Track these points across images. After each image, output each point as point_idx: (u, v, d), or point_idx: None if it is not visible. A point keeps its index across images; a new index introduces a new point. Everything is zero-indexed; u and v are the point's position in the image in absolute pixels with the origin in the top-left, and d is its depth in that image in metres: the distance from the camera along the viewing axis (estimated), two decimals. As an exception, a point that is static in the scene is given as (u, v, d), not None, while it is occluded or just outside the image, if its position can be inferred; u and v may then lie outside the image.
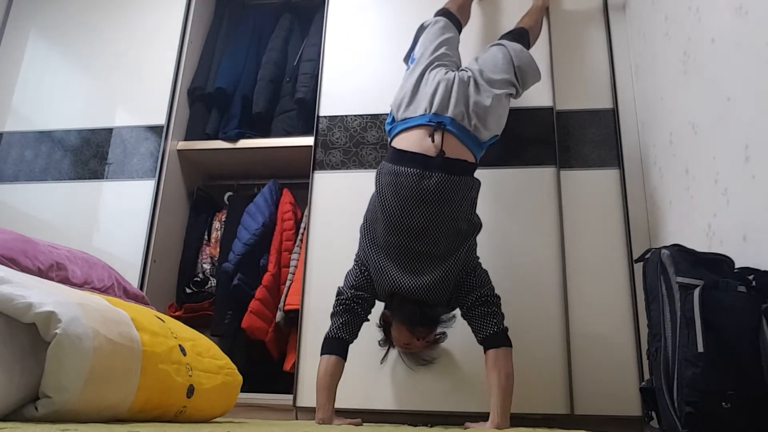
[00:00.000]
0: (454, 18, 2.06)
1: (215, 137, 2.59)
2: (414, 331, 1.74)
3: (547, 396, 1.90)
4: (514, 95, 1.94)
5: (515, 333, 1.92)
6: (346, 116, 2.31)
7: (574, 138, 2.19)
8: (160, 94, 2.51)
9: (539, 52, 2.21)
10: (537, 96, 2.20)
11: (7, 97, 2.63)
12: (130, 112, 2.52)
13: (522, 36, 2.04)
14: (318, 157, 2.28)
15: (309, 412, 2.01)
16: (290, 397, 2.22)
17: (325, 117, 2.33)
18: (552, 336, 1.96)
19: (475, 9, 2.32)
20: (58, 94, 2.60)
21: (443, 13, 2.06)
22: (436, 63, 1.90)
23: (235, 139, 2.55)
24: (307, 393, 2.00)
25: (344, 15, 2.47)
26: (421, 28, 2.04)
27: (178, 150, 2.55)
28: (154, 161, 2.42)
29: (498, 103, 1.84)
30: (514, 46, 1.96)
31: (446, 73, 1.85)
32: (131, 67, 2.57)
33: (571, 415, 1.89)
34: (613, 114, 2.19)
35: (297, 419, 2.04)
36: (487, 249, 2.01)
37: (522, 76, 1.94)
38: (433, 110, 1.78)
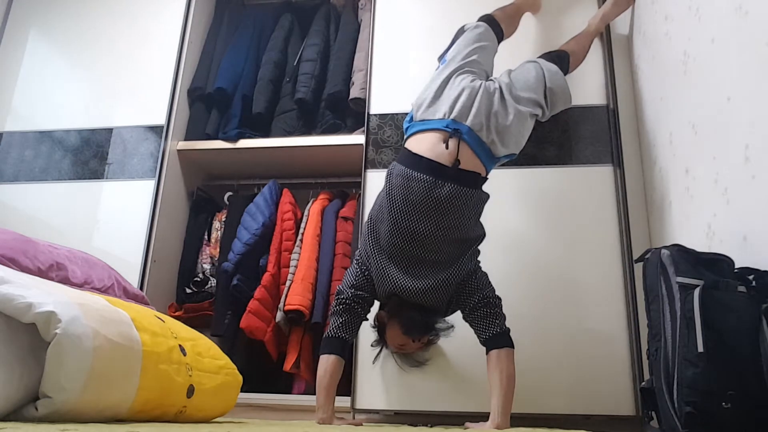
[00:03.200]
0: (497, 27, 2.00)
1: (215, 137, 2.59)
2: (409, 335, 1.75)
3: (614, 397, 1.87)
4: (539, 116, 1.89)
5: (578, 335, 1.92)
6: (397, 114, 2.28)
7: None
8: (160, 94, 2.51)
9: (594, 49, 2.22)
10: (592, 94, 2.19)
11: (7, 97, 2.63)
12: (130, 112, 2.52)
13: (561, 59, 1.99)
14: (369, 156, 2.25)
15: (367, 414, 2.00)
16: (289, 397, 2.23)
17: (375, 115, 2.30)
18: (617, 336, 1.92)
19: (528, 19, 2.29)
20: (58, 94, 2.60)
21: (487, 19, 2.00)
22: (464, 68, 1.86)
23: (235, 139, 2.55)
24: (366, 395, 1.97)
25: (392, 11, 2.43)
26: (461, 31, 1.99)
27: (178, 150, 2.55)
28: (154, 161, 2.42)
29: (519, 121, 1.79)
30: (550, 67, 1.91)
31: (472, 80, 1.81)
32: (131, 67, 2.57)
33: (637, 416, 1.85)
34: (613, 113, 2.19)
35: (354, 418, 2.03)
36: (545, 248, 2.03)
37: (552, 98, 1.88)
38: (452, 116, 1.74)
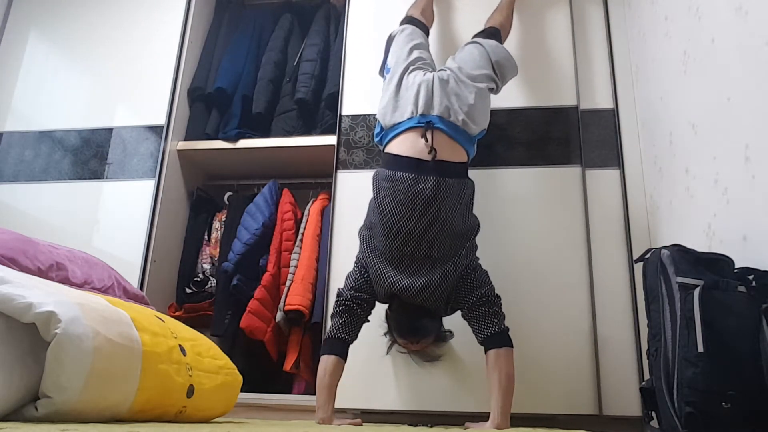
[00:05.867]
0: (419, 23, 2.10)
1: (215, 137, 2.59)
2: (403, 338, 1.76)
3: (576, 397, 1.89)
4: (494, 90, 1.97)
5: (542, 334, 1.93)
6: (369, 115, 2.30)
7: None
8: (160, 94, 2.51)
9: (563, 50, 2.24)
10: (562, 95, 2.21)
11: (7, 97, 2.63)
12: (130, 112, 2.52)
13: (494, 35, 2.07)
14: (341, 157, 2.27)
15: (341, 413, 2.00)
16: (289, 397, 2.23)
17: (347, 116, 2.32)
18: (579, 337, 1.94)
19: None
20: (58, 94, 2.60)
21: (408, 20, 2.10)
22: (411, 68, 1.93)
23: (235, 139, 2.55)
24: (340, 394, 1.98)
25: (366, 14, 2.46)
26: (390, 39, 2.07)
27: (178, 150, 2.55)
28: (154, 161, 2.42)
29: (481, 98, 1.88)
30: (490, 43, 2.00)
31: (425, 74, 1.88)
32: (131, 67, 2.57)
33: (600, 415, 1.87)
34: (613, 114, 2.19)
35: None
36: (511, 248, 2.03)
37: (500, 71, 1.97)
38: (419, 112, 1.80)
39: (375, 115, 2.26)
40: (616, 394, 1.90)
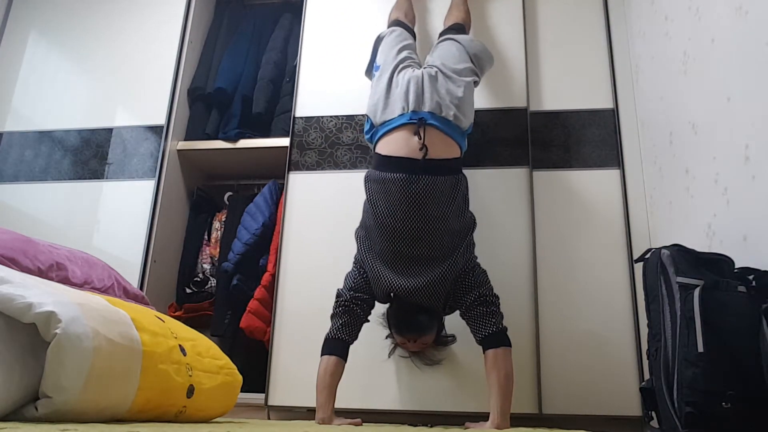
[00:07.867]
0: (406, 25, 2.13)
1: (215, 137, 2.59)
2: (401, 335, 1.76)
3: (516, 395, 1.88)
4: (476, 83, 2.00)
5: None
6: (322, 117, 2.32)
7: (574, 138, 2.19)
8: (160, 94, 2.51)
9: (514, 53, 2.27)
10: (511, 96, 2.23)
11: (7, 97, 2.63)
12: (130, 112, 2.52)
13: (462, 30, 2.10)
14: (293, 158, 2.29)
15: (280, 411, 2.03)
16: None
17: (301, 118, 2.34)
18: (521, 336, 1.96)
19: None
20: (58, 94, 2.60)
21: (396, 23, 2.13)
22: (401, 66, 1.94)
23: (235, 139, 2.55)
24: (279, 392, 2.01)
25: (321, 17, 2.48)
26: (379, 40, 2.10)
27: (178, 150, 2.55)
28: (154, 161, 2.42)
29: (468, 91, 1.90)
30: (464, 37, 2.03)
31: (413, 71, 1.90)
32: (131, 67, 2.57)
33: (540, 414, 1.89)
34: (613, 114, 2.19)
35: (269, 418, 2.05)
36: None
37: (479, 63, 2.00)
38: (410, 108, 1.80)
39: (327, 117, 2.31)
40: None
